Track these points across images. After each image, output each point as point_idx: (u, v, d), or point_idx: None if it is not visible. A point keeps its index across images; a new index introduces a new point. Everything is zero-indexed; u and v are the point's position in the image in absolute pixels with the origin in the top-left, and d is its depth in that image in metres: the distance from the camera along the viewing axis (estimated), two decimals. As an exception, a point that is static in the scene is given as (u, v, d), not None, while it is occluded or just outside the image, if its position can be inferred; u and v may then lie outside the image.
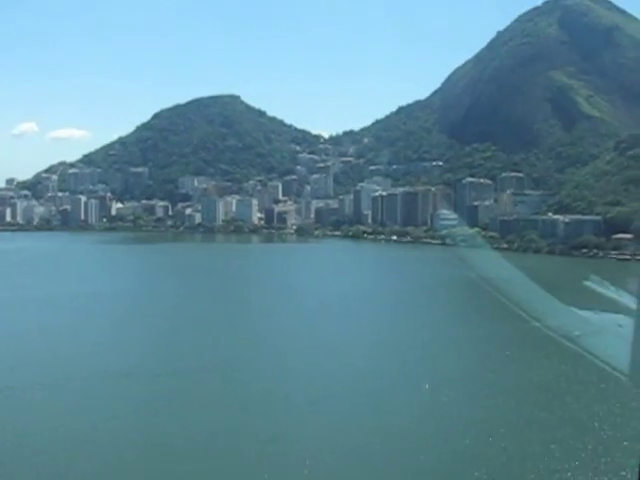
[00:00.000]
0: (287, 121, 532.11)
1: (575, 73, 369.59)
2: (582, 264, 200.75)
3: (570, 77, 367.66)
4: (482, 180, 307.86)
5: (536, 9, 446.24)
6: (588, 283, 41.05)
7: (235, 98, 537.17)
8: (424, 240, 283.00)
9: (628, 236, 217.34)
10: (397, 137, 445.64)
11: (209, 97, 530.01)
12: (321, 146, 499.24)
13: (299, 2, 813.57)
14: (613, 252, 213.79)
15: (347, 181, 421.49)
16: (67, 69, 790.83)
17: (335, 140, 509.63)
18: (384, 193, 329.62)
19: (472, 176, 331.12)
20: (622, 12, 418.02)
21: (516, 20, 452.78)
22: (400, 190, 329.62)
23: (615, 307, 30.80)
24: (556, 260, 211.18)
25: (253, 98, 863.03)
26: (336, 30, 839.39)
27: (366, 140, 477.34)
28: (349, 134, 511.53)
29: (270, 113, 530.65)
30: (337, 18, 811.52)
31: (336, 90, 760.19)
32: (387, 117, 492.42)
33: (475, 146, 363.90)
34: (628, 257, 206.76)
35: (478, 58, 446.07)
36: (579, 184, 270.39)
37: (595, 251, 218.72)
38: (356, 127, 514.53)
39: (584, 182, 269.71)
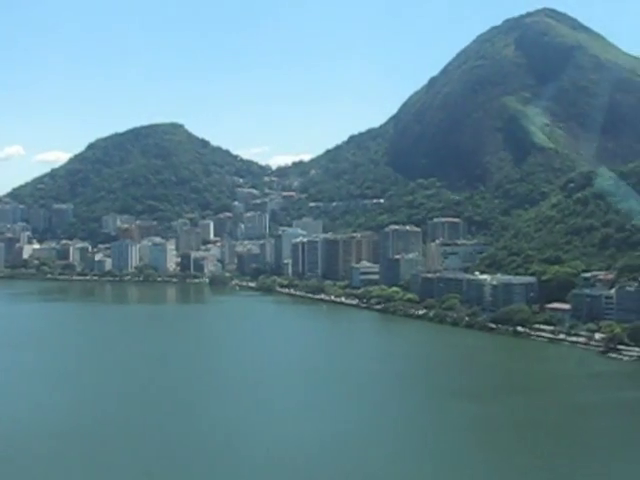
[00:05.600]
0: (234, 152, 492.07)
1: (530, 99, 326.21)
2: (491, 348, 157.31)
3: (525, 103, 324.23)
4: (408, 227, 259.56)
5: (495, 28, 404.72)
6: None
7: (178, 127, 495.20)
8: (343, 300, 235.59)
9: (565, 306, 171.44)
10: (344, 169, 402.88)
11: (149, 126, 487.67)
12: (266, 179, 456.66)
13: (252, 28, 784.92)
14: (545, 327, 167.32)
15: (285, 219, 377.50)
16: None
17: (282, 172, 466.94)
18: (305, 240, 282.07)
19: (409, 217, 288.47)
20: (587, 30, 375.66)
21: (474, 40, 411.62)
22: (321, 237, 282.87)
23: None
24: (462, 341, 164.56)
25: (199, 127, 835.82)
26: (296, 54, 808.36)
27: (312, 172, 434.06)
28: (298, 165, 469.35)
29: (216, 143, 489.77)
30: (295, 40, 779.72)
31: (295, 116, 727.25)
32: (338, 147, 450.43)
33: (420, 181, 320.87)
34: (562, 337, 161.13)
35: (431, 82, 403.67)
36: (518, 233, 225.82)
37: (520, 328, 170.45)
38: (312, 155, 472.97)
39: (524, 230, 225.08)
